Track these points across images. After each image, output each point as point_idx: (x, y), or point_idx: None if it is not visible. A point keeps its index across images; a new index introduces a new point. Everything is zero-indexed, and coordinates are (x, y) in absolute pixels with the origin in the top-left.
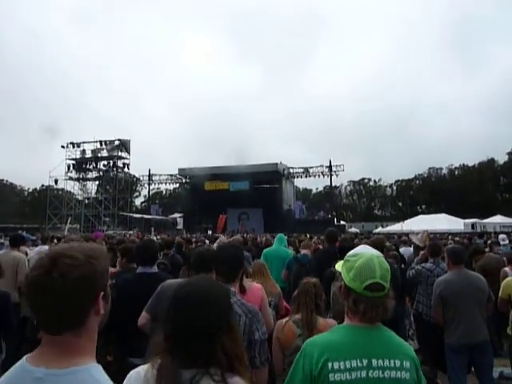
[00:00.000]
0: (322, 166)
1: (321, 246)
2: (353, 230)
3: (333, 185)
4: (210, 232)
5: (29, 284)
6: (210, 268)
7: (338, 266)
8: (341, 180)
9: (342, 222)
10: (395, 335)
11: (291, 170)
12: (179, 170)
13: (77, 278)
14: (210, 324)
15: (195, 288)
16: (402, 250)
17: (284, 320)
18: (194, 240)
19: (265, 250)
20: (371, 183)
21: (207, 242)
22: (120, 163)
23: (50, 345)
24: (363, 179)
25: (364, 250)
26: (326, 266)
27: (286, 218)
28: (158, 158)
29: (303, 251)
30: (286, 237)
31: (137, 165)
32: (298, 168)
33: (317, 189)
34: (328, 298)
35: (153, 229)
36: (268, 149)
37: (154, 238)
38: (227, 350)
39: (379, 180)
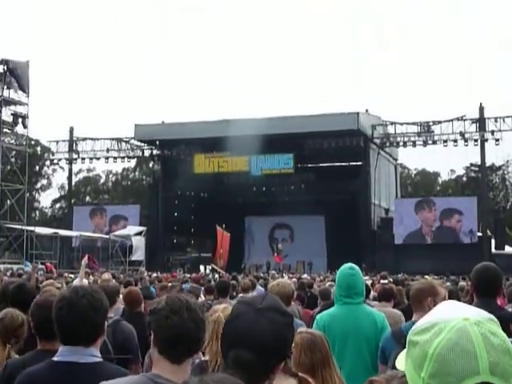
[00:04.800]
0: (461, 118)
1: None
2: None
3: (487, 163)
4: (205, 269)
5: None
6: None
7: (400, 358)
8: (507, 153)
9: (510, 249)
10: None
11: (391, 130)
12: (136, 128)
13: None
14: None
15: None
16: None
17: None
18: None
19: (318, 317)
20: None
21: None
22: (6, 114)
23: None
24: None
25: (445, 314)
26: None
27: (379, 237)
28: (90, 103)
29: (416, 315)
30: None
31: (43, 119)
32: (407, 124)
33: (451, 172)
34: None
35: (82, 261)
36: (336, 81)
37: (85, 281)
38: None
39: None
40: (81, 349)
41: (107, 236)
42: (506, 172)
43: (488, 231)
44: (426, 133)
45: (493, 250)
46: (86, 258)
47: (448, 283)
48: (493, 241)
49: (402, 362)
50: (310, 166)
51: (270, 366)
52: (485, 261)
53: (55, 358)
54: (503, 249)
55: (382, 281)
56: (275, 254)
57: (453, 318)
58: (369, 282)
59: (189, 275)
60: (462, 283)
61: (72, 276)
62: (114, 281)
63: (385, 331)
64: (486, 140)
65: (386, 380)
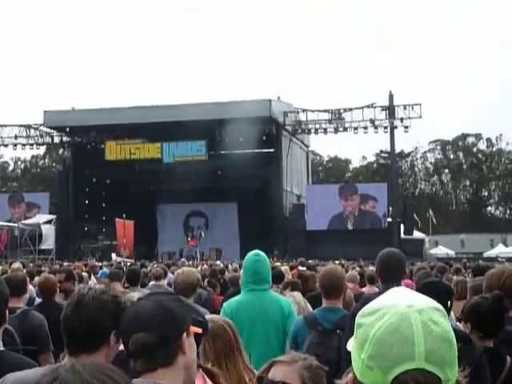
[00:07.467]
0: (371, 106)
1: (365, 289)
2: (440, 249)
3: (396, 150)
4: (115, 257)
5: None
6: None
7: (350, 340)
8: (415, 140)
9: (418, 234)
10: None
11: (302, 117)
12: (46, 114)
13: None
14: None
15: None
16: None
17: None
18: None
19: (225, 304)
20: (482, 146)
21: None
22: None
23: None
24: (464, 137)
25: (392, 300)
26: None
27: (291, 224)
28: None
29: (327, 302)
30: (289, 267)
31: None
32: (318, 111)
33: (362, 158)
34: None
35: None
36: (250, 69)
37: None
38: None
39: (499, 138)
40: None
41: (15, 224)
42: (414, 159)
43: (398, 216)
44: (336, 120)
45: (402, 235)
46: None
47: (358, 268)
48: (402, 226)
49: (350, 343)
50: (222, 152)
51: (170, 341)
52: (394, 246)
53: None
54: (412, 234)
55: (299, 267)
56: (189, 239)
57: (398, 304)
58: (283, 268)
59: (100, 263)
60: (370, 268)
61: None
62: (24, 270)
63: (292, 317)
64: (396, 127)
65: (291, 360)
